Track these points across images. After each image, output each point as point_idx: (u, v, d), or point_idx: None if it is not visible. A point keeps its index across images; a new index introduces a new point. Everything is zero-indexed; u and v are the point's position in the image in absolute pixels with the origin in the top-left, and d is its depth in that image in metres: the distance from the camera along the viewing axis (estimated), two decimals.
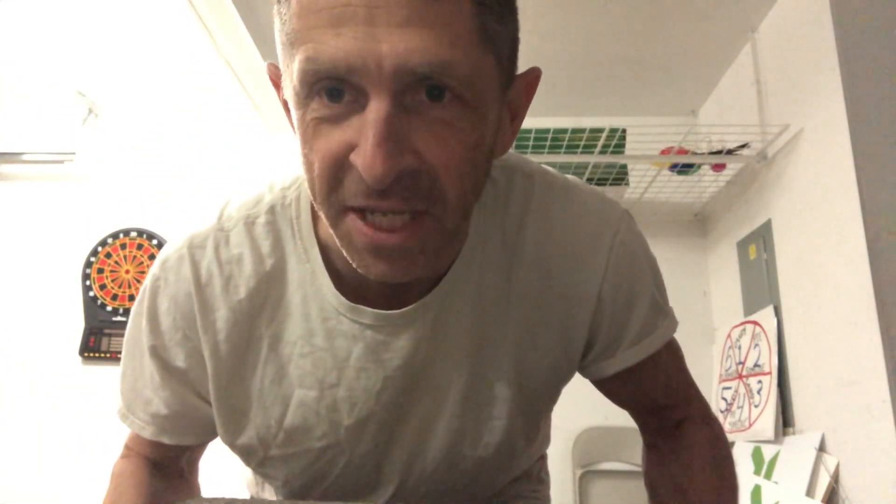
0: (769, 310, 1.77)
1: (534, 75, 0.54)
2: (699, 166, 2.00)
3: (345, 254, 0.50)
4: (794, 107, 1.70)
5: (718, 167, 1.98)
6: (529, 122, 1.64)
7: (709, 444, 0.72)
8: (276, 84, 0.53)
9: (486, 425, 0.67)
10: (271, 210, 0.61)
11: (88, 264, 2.35)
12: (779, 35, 1.82)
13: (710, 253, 2.29)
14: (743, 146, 1.89)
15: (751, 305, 1.92)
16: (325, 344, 0.61)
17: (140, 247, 2.35)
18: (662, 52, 2.06)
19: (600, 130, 1.92)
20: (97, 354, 2.27)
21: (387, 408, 0.64)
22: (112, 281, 2.33)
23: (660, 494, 0.74)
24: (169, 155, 2.44)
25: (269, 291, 0.61)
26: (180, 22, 1.96)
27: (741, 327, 1.94)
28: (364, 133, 0.42)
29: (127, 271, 2.33)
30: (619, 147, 1.97)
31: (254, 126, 2.38)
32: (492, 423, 0.67)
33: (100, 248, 2.36)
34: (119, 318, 2.29)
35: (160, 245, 2.34)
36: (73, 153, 2.42)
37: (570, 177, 0.67)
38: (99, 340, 2.28)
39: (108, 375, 2.18)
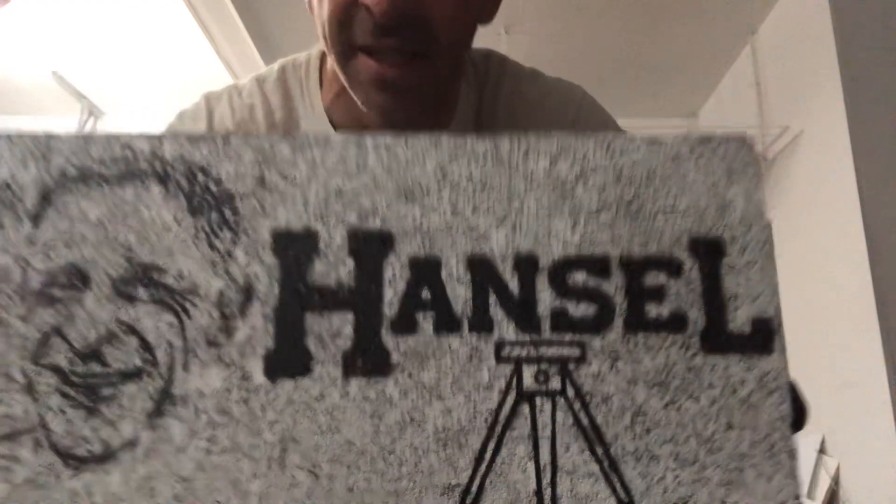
0: None
1: None
2: None
3: (351, 93, 0.54)
4: (793, 108, 1.70)
5: None
6: None
7: None
8: None
9: None
10: (282, 69, 0.66)
11: None
12: (779, 36, 1.81)
13: None
14: None
15: None
16: None
17: None
18: (662, 55, 2.06)
19: None
20: None
21: None
22: None
23: None
24: None
25: None
26: (179, 23, 1.97)
27: None
28: None
29: None
30: None
31: None
32: None
33: None
34: None
35: None
36: None
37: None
38: None
39: None
